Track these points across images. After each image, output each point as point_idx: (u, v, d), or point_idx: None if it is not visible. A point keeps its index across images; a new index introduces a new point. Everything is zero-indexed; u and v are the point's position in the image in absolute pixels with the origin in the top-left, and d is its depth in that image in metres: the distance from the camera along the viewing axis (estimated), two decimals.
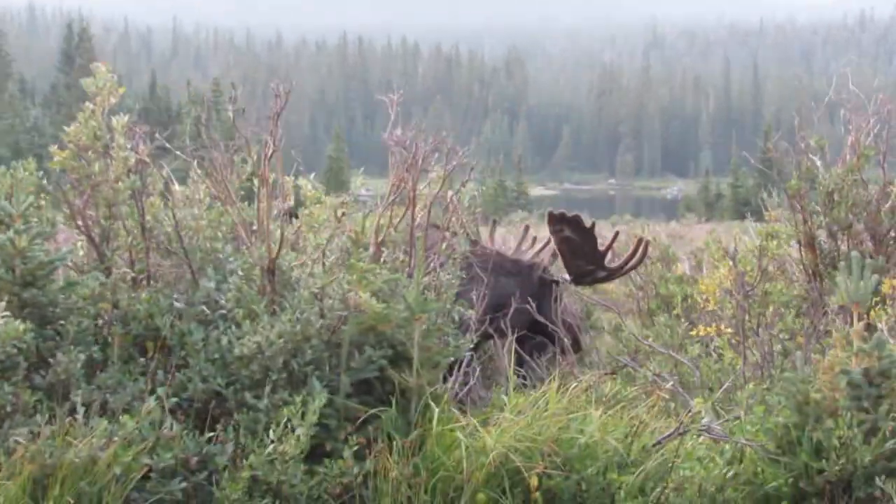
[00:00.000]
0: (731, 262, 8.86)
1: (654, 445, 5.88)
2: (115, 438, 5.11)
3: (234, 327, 5.76)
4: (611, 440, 5.76)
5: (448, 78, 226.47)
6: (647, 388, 7.12)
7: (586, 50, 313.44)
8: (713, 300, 8.76)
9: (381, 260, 6.50)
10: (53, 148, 6.31)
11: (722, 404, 7.14)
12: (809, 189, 10.18)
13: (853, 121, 10.39)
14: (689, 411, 6.16)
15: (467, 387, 6.98)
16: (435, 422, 5.68)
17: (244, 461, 5.32)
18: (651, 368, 8.89)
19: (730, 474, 5.80)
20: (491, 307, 8.87)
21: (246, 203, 6.50)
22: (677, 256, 13.81)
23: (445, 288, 6.41)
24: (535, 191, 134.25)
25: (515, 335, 9.56)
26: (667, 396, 6.46)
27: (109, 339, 5.86)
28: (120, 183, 6.21)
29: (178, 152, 6.29)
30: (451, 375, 7.17)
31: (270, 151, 5.95)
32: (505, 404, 6.02)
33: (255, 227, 6.30)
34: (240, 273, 5.98)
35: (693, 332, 8.92)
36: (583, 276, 9.79)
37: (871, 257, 9.75)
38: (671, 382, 7.39)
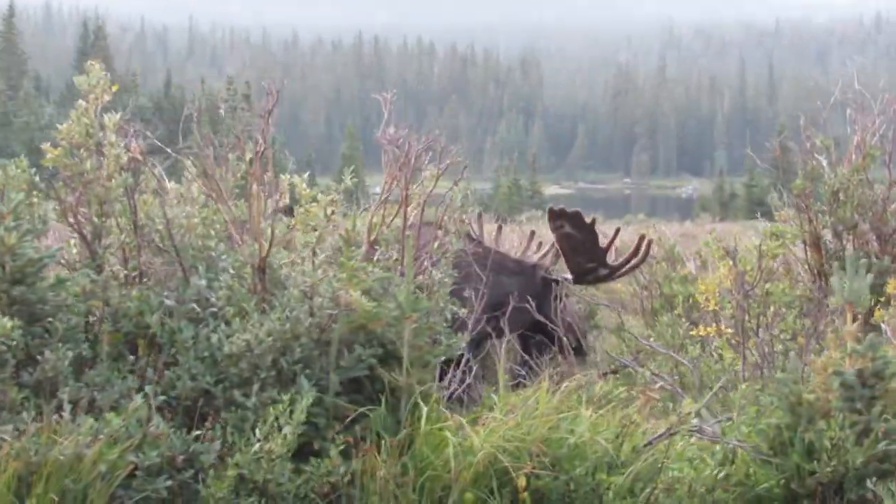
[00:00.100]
0: (730, 262, 8.81)
1: (645, 446, 5.85)
2: (101, 436, 5.10)
3: (223, 325, 5.75)
4: (601, 440, 5.73)
5: (463, 77, 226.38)
6: (645, 388, 7.09)
7: (602, 50, 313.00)
8: (713, 300, 8.72)
9: (375, 259, 6.48)
10: (46, 145, 6.29)
11: (721, 404, 7.12)
12: (815, 189, 10.16)
13: (859, 120, 10.35)
14: (680, 412, 6.12)
15: (463, 385, 6.96)
16: (423, 421, 5.66)
17: (230, 459, 5.30)
18: (651, 368, 8.88)
19: (721, 475, 5.78)
20: (492, 306, 8.86)
21: (241, 201, 6.48)
22: (682, 256, 13.75)
23: (438, 287, 6.38)
24: (550, 190, 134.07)
25: (518, 334, 9.58)
26: (657, 397, 6.41)
27: (99, 337, 5.85)
28: (112, 181, 6.20)
29: (168, 149, 6.27)
30: (451, 373, 7.17)
31: (262, 149, 5.92)
32: (495, 403, 6.00)
33: (249, 226, 6.28)
34: (231, 271, 5.97)
35: (693, 332, 8.89)
36: (584, 274, 9.76)
37: (877, 257, 9.73)
38: (661, 383, 7.36)
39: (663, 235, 14.81)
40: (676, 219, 60.63)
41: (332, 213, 6.14)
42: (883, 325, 8.58)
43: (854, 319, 6.16)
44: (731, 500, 5.75)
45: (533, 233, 10.54)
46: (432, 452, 5.62)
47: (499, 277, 9.39)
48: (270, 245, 5.88)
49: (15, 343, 5.38)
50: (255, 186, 5.97)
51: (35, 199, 6.18)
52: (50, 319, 5.65)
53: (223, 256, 6.25)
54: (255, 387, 5.57)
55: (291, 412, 5.36)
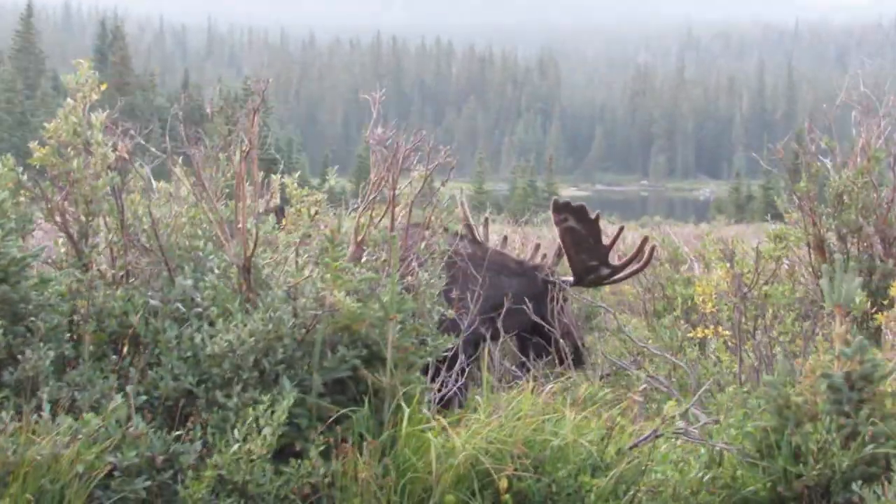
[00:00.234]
0: (727, 264, 8.77)
1: (630, 448, 5.83)
2: (80, 436, 5.08)
3: (207, 325, 5.73)
4: (584, 443, 5.70)
5: (481, 78, 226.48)
6: (629, 390, 7.06)
7: (620, 51, 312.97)
8: (710, 302, 8.68)
9: (363, 259, 6.46)
10: (33, 144, 6.28)
11: (714, 406, 7.08)
12: (819, 191, 10.12)
13: (864, 122, 10.32)
14: (664, 414, 6.09)
15: (454, 386, 6.93)
16: (405, 422, 5.63)
17: (209, 460, 5.28)
18: (648, 371, 8.84)
19: (707, 478, 5.75)
20: (492, 306, 8.84)
21: (231, 201, 6.46)
22: (686, 257, 13.70)
23: (425, 288, 6.35)
24: (568, 191, 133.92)
25: (517, 335, 9.54)
26: (640, 399, 6.38)
27: (83, 336, 5.83)
28: (100, 180, 6.18)
29: (153, 149, 6.25)
30: (443, 375, 7.14)
31: (247, 149, 5.90)
32: (479, 405, 5.98)
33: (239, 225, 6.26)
34: (216, 271, 5.95)
35: (691, 334, 8.85)
36: (586, 273, 9.70)
37: (881, 260, 9.69)
38: (644, 386, 7.33)
39: (667, 237, 14.74)
40: (693, 221, 60.55)
41: (317, 213, 6.11)
42: (884, 329, 8.56)
43: (845, 322, 6.10)
44: (716, 502, 5.73)
45: (538, 245, 10.46)
46: (414, 454, 5.60)
47: (499, 278, 9.35)
48: (255, 245, 5.85)
49: None
50: (240, 186, 5.94)
51: (22, 198, 6.18)
52: (32, 319, 5.63)
53: (210, 256, 6.23)
54: (238, 387, 5.54)
55: (272, 413, 5.34)
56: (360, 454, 5.49)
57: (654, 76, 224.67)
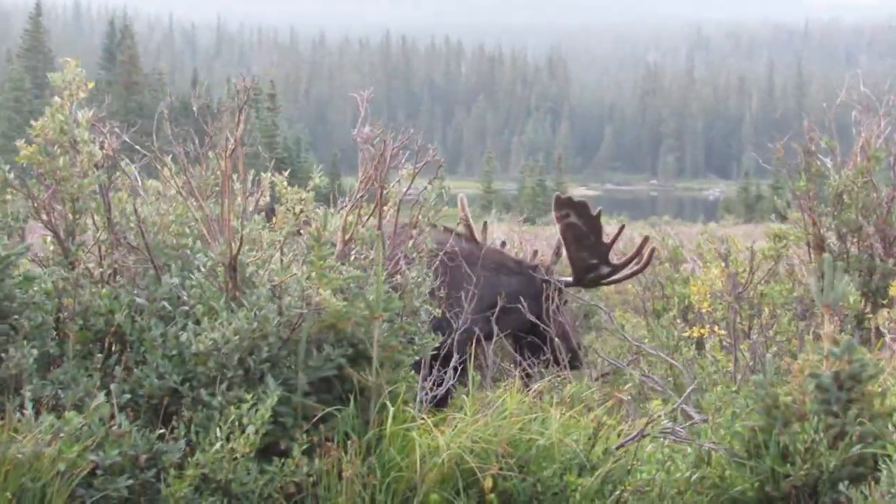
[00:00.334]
0: (722, 263, 8.75)
1: (617, 448, 5.80)
2: (62, 434, 5.07)
3: (193, 324, 5.71)
4: (569, 442, 5.68)
5: (491, 77, 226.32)
6: (613, 389, 7.04)
7: (630, 50, 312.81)
8: (706, 301, 8.66)
9: (352, 258, 6.44)
10: (20, 142, 6.27)
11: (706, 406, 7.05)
12: (819, 190, 10.10)
13: (863, 122, 10.29)
14: (651, 414, 6.08)
15: (446, 386, 6.90)
16: (389, 421, 5.62)
17: (191, 459, 5.27)
18: (643, 370, 8.81)
19: (694, 477, 5.73)
20: (490, 305, 8.82)
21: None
22: (685, 257, 13.68)
23: (413, 286, 6.33)
24: (577, 191, 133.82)
25: (513, 335, 9.52)
26: (625, 398, 6.36)
27: (69, 335, 5.82)
28: (86, 178, 6.17)
29: (139, 147, 6.23)
30: (437, 374, 7.11)
31: (231, 148, 5.88)
32: (465, 404, 5.96)
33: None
34: (202, 269, 5.93)
35: (686, 334, 8.82)
36: (586, 271, 9.67)
37: (881, 260, 9.66)
38: (628, 385, 7.31)
39: (667, 236, 14.71)
40: (701, 221, 60.52)
41: (301, 211, 6.09)
42: (883, 328, 8.53)
43: (834, 321, 6.08)
44: (704, 502, 5.71)
45: (536, 252, 10.43)
46: (399, 453, 5.58)
47: (497, 276, 9.34)
48: (241, 243, 5.84)
49: None
50: (225, 184, 5.92)
51: (9, 197, 6.17)
52: (16, 317, 5.62)
53: (198, 255, 6.21)
54: (223, 386, 5.53)
55: (256, 411, 5.33)
56: (346, 453, 5.47)
57: (663, 76, 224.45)
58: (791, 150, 10.23)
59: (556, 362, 9.01)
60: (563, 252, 9.79)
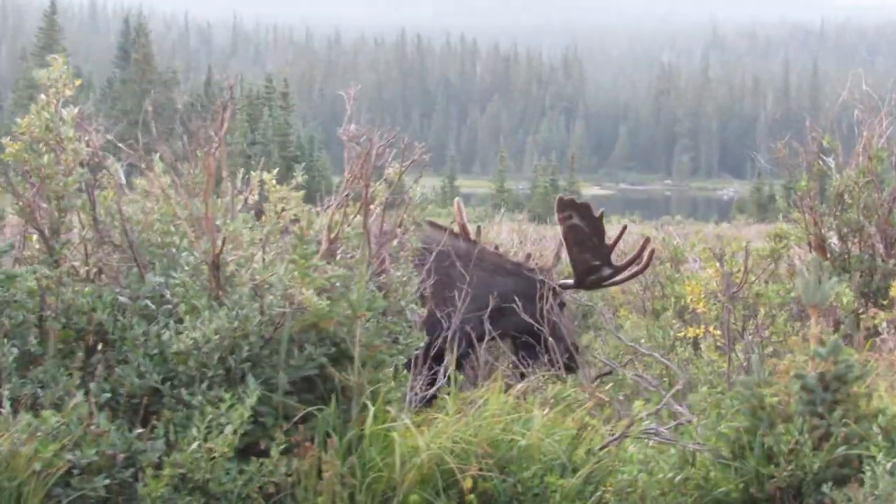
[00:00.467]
0: (717, 263, 8.71)
1: (600, 449, 5.78)
2: (39, 433, 5.05)
3: (172, 322, 5.69)
4: (551, 443, 5.66)
5: (506, 77, 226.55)
6: (594, 389, 7.01)
7: (645, 50, 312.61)
8: (700, 302, 8.63)
9: (338, 257, 6.41)
10: (6, 139, 6.26)
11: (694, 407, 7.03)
12: (821, 190, 10.08)
13: (865, 122, 10.27)
14: (633, 414, 6.05)
15: (436, 387, 6.89)
16: (370, 421, 5.59)
17: (167, 458, 5.25)
18: (637, 370, 8.78)
19: (678, 479, 5.71)
20: (484, 305, 8.79)
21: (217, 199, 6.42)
22: (685, 256, 13.67)
23: (398, 285, 6.31)
24: (591, 190, 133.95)
25: (510, 336, 9.50)
26: (606, 398, 6.34)
27: (50, 333, 5.81)
28: (71, 176, 6.15)
29: (122, 145, 6.21)
30: (428, 374, 7.09)
31: (214, 146, 5.86)
32: (447, 404, 5.93)
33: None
34: (185, 267, 5.91)
35: (681, 334, 8.79)
36: (588, 273, 9.65)
37: (883, 260, 9.64)
38: (610, 385, 7.28)
39: (668, 236, 14.71)
40: (714, 221, 60.47)
41: (283, 210, 6.07)
42: (881, 328, 8.50)
43: (820, 322, 6.05)
44: (688, 503, 5.68)
45: (529, 255, 10.40)
46: (379, 453, 5.56)
47: (493, 277, 9.32)
48: (224, 242, 5.82)
49: None
50: (208, 182, 5.90)
51: None
52: None
53: (184, 253, 6.19)
54: (203, 385, 5.51)
55: (235, 410, 5.31)
56: (326, 452, 5.45)
57: (678, 75, 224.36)
58: (795, 151, 10.21)
59: (553, 364, 8.98)
60: (565, 253, 9.78)
